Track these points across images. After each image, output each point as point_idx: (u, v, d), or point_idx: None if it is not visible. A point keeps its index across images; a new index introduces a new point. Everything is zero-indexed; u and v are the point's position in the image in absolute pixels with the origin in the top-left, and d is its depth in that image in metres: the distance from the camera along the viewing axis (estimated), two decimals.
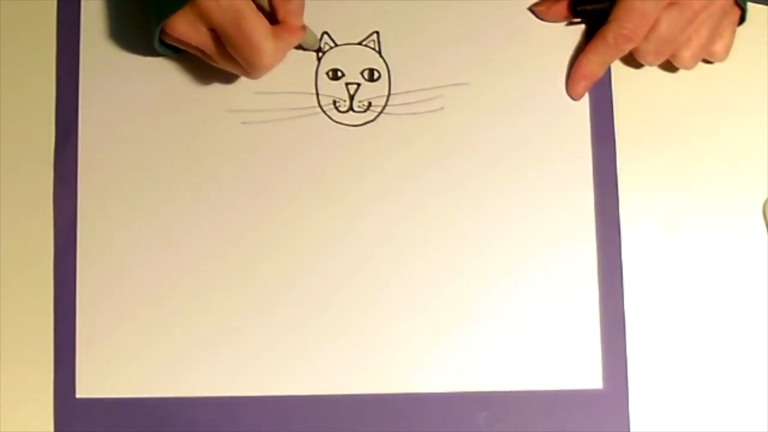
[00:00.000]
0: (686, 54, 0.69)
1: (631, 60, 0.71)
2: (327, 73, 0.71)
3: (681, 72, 0.71)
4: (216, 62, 0.66)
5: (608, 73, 0.71)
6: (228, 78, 0.70)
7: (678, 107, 0.71)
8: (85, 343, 0.67)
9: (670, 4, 0.67)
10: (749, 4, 0.68)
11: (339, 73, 0.71)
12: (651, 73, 0.71)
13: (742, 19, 0.70)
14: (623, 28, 0.68)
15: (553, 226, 0.69)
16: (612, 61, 0.70)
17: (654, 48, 0.68)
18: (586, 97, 0.71)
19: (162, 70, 0.70)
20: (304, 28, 0.67)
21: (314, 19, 0.70)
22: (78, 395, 0.67)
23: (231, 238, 0.69)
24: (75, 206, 0.68)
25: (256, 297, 0.68)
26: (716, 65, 0.71)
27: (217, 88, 0.70)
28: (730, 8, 0.69)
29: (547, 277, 0.69)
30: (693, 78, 0.71)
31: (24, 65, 0.70)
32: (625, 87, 0.71)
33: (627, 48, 0.69)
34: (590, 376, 0.68)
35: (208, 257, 0.68)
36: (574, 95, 0.71)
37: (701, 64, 0.71)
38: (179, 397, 0.67)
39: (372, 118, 0.70)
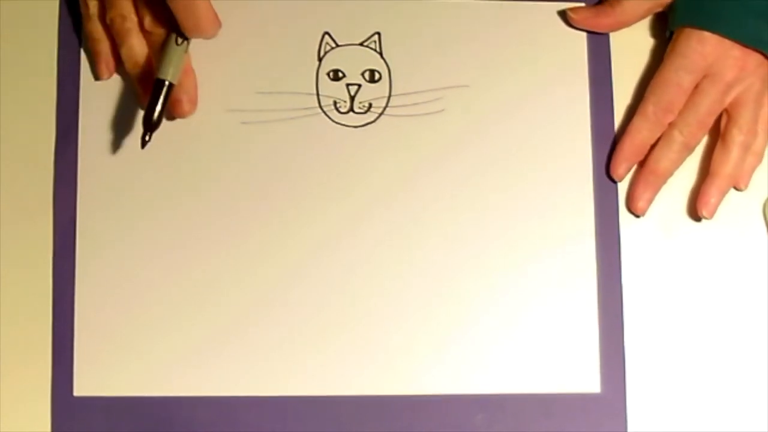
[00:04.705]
0: (734, 131, 0.69)
1: (632, 59, 0.71)
2: (328, 74, 0.71)
3: None
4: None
5: (609, 74, 0.71)
6: (228, 78, 0.70)
7: None
8: (83, 342, 0.67)
9: (705, 76, 0.67)
10: None
11: (340, 74, 0.71)
12: (652, 72, 0.70)
13: None
14: (661, 101, 0.68)
15: (553, 229, 0.69)
16: (655, 137, 0.69)
17: (694, 120, 0.68)
18: (586, 97, 0.71)
19: None
20: None
21: (315, 19, 0.71)
22: (76, 393, 0.67)
23: (230, 237, 0.69)
24: (74, 206, 0.68)
25: (255, 297, 0.68)
26: None
27: (217, 88, 0.70)
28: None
29: (547, 280, 0.69)
30: None
31: (25, 64, 0.70)
32: (625, 87, 0.71)
33: (667, 119, 0.68)
34: (588, 380, 0.68)
35: (207, 257, 0.68)
36: (616, 177, 0.69)
37: None
38: (178, 396, 0.67)
39: (373, 119, 0.70)
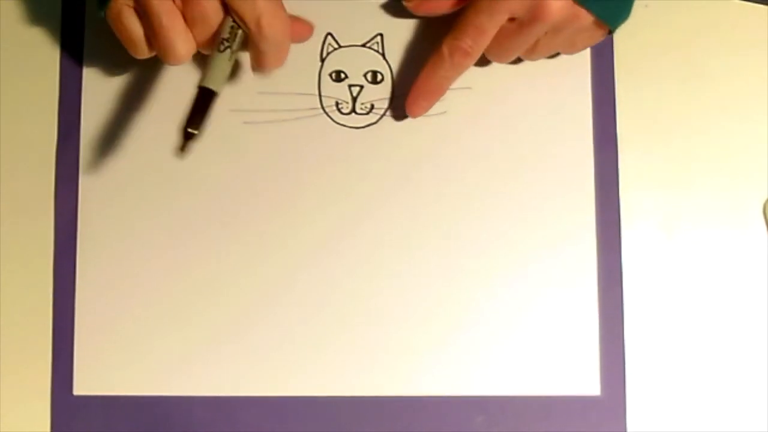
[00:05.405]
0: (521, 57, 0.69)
1: (634, 61, 0.70)
2: (330, 75, 0.71)
3: (683, 73, 0.71)
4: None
5: (612, 75, 0.71)
6: (231, 78, 0.70)
7: (679, 107, 0.71)
8: (83, 340, 0.68)
9: (510, 20, 0.65)
10: (749, 4, 0.68)
11: (342, 75, 0.71)
12: (655, 74, 0.70)
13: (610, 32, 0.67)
14: (460, 41, 0.66)
15: (554, 230, 0.69)
16: (453, 77, 0.68)
17: (494, 57, 0.68)
18: (588, 99, 0.70)
19: (164, 70, 0.70)
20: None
21: (318, 20, 0.71)
22: (75, 392, 0.67)
23: (231, 237, 0.69)
24: (75, 205, 0.69)
25: (255, 297, 0.68)
26: (720, 65, 0.71)
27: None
28: (590, 26, 0.65)
29: (547, 281, 0.69)
30: (695, 78, 0.71)
31: (27, 63, 0.70)
32: (627, 88, 0.71)
33: (464, 63, 0.66)
34: (588, 383, 0.68)
35: (208, 257, 0.69)
36: (410, 113, 0.69)
37: (707, 65, 0.70)
38: (177, 395, 0.67)
39: (374, 120, 0.70)
